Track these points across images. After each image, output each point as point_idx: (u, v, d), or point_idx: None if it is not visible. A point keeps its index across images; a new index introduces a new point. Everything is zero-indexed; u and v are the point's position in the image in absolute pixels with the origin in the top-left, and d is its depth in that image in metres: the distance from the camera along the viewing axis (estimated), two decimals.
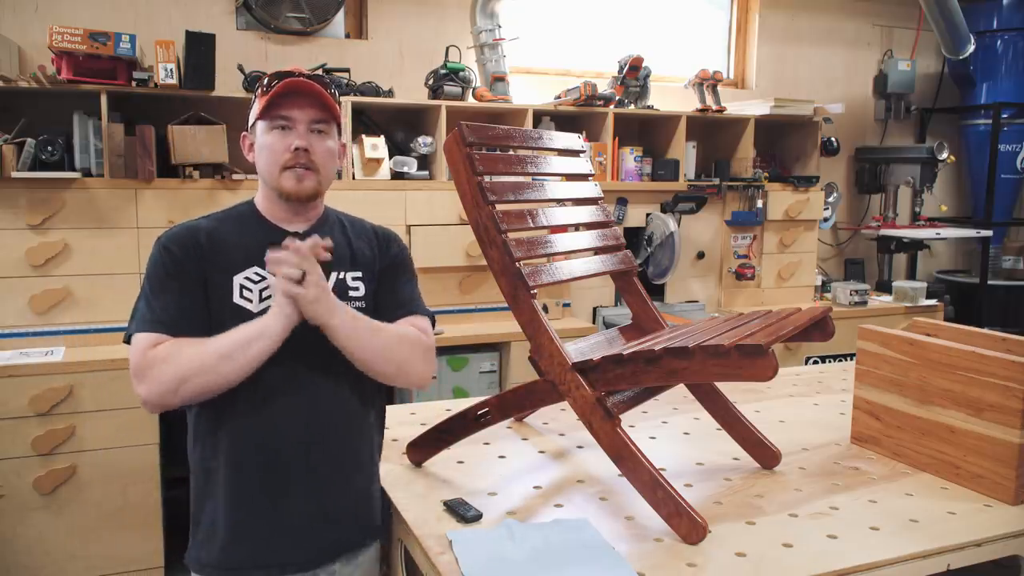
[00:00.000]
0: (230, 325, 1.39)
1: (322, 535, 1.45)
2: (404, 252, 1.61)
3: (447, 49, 3.66)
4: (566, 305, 3.78)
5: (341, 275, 1.50)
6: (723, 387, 1.79)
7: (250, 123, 1.49)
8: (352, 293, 1.50)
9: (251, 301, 1.42)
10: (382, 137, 3.47)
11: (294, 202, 1.46)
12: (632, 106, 3.99)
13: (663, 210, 4.00)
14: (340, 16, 3.65)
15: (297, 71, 1.45)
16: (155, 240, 1.45)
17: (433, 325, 1.58)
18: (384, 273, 1.55)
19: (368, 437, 1.54)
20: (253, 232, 1.47)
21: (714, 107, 4.08)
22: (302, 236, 1.47)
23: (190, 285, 1.41)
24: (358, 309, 1.47)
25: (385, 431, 1.65)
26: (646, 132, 4.20)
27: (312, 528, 1.44)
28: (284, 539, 1.43)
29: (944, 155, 4.60)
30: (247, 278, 1.43)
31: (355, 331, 1.41)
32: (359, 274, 1.52)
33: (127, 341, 1.40)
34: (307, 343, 1.42)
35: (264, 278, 1.43)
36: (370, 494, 1.54)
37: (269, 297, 1.42)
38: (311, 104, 1.43)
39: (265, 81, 1.45)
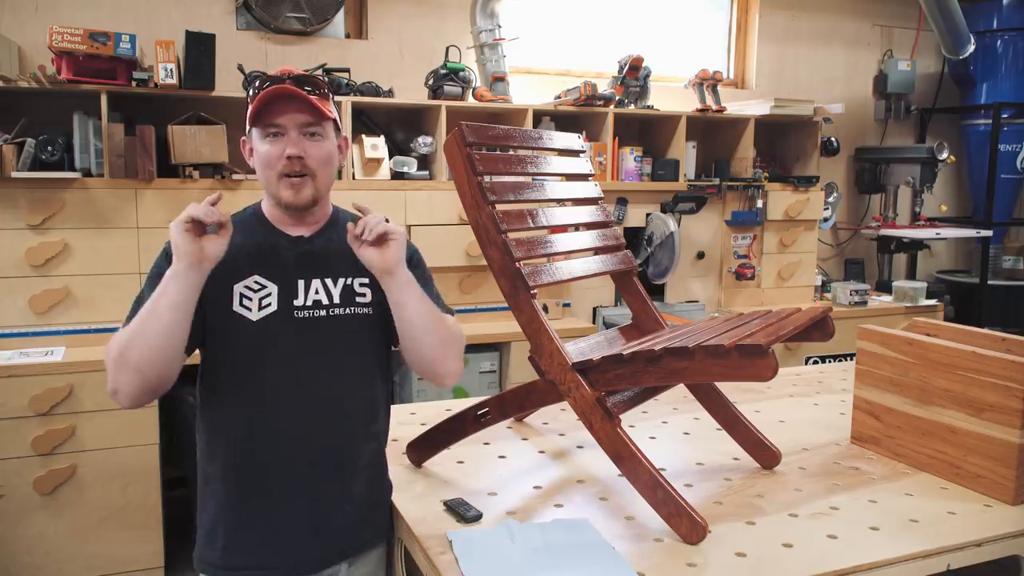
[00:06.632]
0: (229, 334, 1.39)
1: (322, 538, 1.45)
2: (416, 254, 1.56)
3: (447, 49, 3.66)
4: (566, 305, 3.78)
5: (348, 280, 1.46)
6: (723, 387, 1.79)
7: (246, 128, 1.46)
8: (359, 299, 1.47)
9: (250, 310, 1.40)
10: (382, 137, 3.47)
11: (294, 211, 1.44)
12: (632, 106, 3.99)
13: (663, 210, 3.99)
14: (340, 16, 3.65)
15: (286, 73, 1.41)
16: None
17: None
18: None
19: (373, 441, 1.52)
20: (258, 237, 1.46)
21: (714, 107, 4.08)
22: (309, 240, 1.46)
23: None
24: (364, 316, 1.46)
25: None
26: (646, 132, 4.19)
27: (311, 531, 1.44)
28: (282, 542, 1.42)
29: (944, 155, 4.59)
30: (247, 286, 1.41)
31: (425, 309, 1.41)
32: (366, 280, 1.47)
33: None
34: (309, 345, 1.42)
35: (264, 286, 1.41)
36: (374, 499, 1.53)
37: (269, 306, 1.41)
38: (299, 109, 1.39)
39: (257, 84, 1.41)
